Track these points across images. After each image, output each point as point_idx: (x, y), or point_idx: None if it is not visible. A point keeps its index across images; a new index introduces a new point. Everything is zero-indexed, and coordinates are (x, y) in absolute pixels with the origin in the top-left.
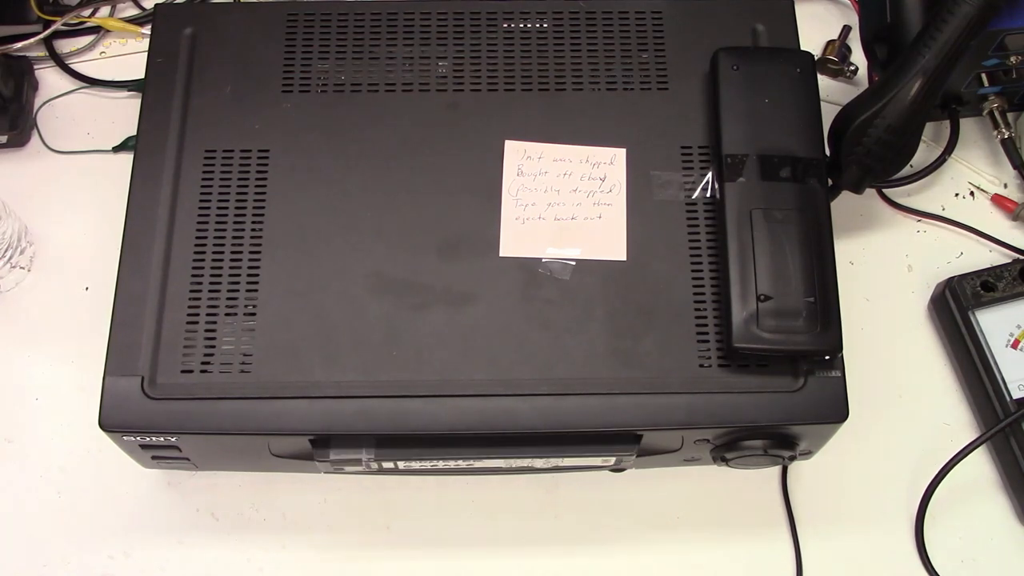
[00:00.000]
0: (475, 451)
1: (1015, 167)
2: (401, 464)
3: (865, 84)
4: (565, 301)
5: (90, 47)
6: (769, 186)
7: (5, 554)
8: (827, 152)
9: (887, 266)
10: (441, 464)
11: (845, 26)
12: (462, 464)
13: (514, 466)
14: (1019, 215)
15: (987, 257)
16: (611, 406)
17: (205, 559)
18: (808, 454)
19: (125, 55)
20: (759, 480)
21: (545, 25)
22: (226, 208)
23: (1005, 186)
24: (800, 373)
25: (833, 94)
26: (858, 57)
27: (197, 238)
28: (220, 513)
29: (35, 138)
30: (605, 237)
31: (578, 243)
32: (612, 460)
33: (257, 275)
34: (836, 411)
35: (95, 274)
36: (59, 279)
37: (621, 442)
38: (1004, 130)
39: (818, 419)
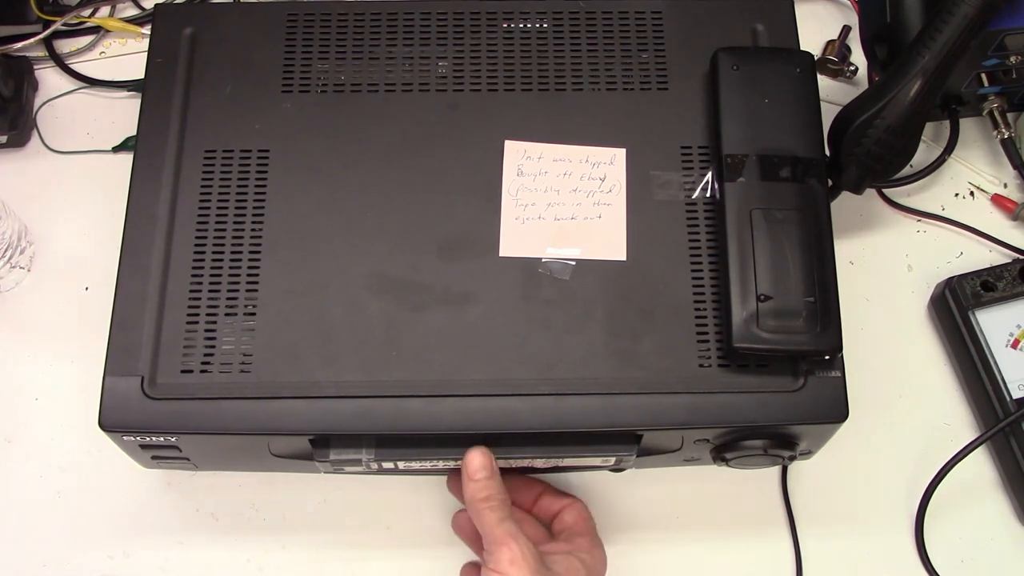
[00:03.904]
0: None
1: (1015, 167)
2: (401, 464)
3: (865, 84)
4: (565, 301)
5: (90, 47)
6: (769, 186)
7: (5, 554)
8: (827, 152)
9: (887, 266)
10: (441, 464)
11: (845, 26)
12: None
13: (514, 466)
14: (1019, 215)
15: (987, 257)
16: (611, 406)
17: (205, 559)
18: (808, 454)
19: (125, 55)
20: (759, 480)
21: (545, 25)
22: (226, 208)
23: (1005, 186)
24: (800, 373)
25: (833, 94)
26: (858, 57)
27: (197, 238)
28: (220, 513)
29: (35, 138)
30: (605, 237)
31: (578, 243)
32: (612, 460)
33: (257, 275)
34: (836, 411)
35: (95, 274)
36: (59, 279)
37: (621, 442)
38: (1004, 130)
39: (818, 419)
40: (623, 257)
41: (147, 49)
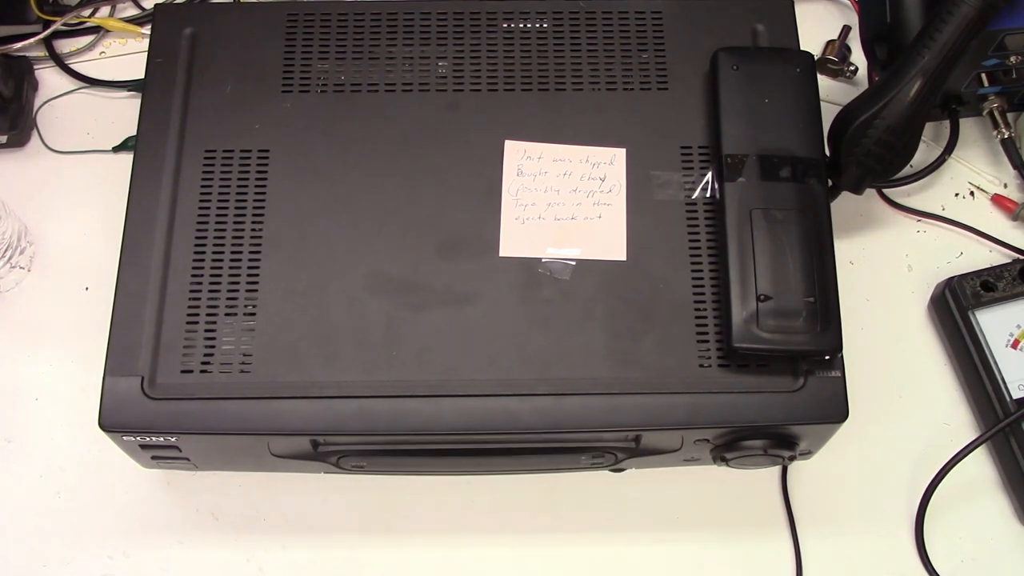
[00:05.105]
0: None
1: (1015, 167)
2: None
3: (865, 84)
4: (565, 301)
5: (90, 47)
6: (769, 186)
7: (5, 554)
8: (827, 152)
9: (887, 266)
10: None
11: (845, 26)
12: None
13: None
14: (1019, 215)
15: (987, 257)
16: (611, 406)
17: (205, 559)
18: (808, 454)
19: (125, 55)
20: (759, 480)
21: (545, 25)
22: (226, 208)
23: (1005, 186)
24: (800, 373)
25: (833, 94)
26: (858, 57)
27: (197, 238)
28: (220, 513)
29: (35, 138)
30: (605, 237)
31: (578, 243)
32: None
33: (257, 275)
34: (836, 411)
35: (95, 274)
36: (59, 279)
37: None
38: (1004, 130)
39: (818, 419)
40: (623, 257)
41: (147, 49)
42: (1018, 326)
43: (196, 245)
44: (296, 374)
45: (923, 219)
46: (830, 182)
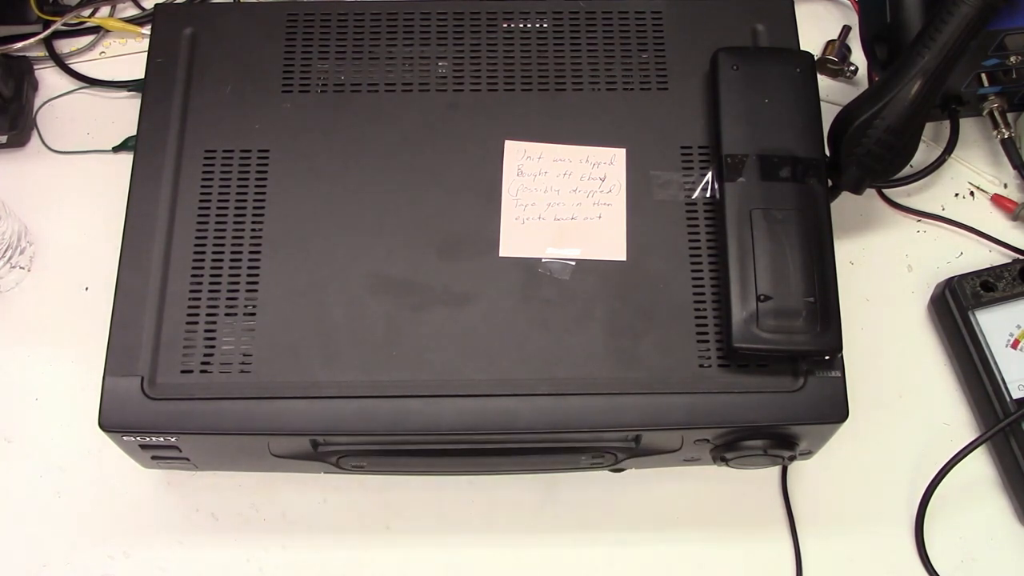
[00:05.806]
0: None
1: (1015, 167)
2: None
3: (865, 84)
4: (565, 301)
5: (90, 47)
6: (769, 186)
7: (5, 554)
8: (827, 152)
9: (887, 266)
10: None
11: (845, 26)
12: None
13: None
14: (1019, 215)
15: (987, 257)
16: (611, 406)
17: (205, 559)
18: (808, 454)
19: (125, 55)
20: (759, 480)
21: (545, 25)
22: (226, 208)
23: (1005, 186)
24: (800, 373)
25: (833, 94)
26: (858, 57)
27: (197, 238)
28: (220, 513)
29: (35, 138)
30: (605, 237)
31: (578, 243)
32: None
33: (257, 275)
34: (836, 411)
35: (95, 274)
36: (59, 279)
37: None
38: (1004, 130)
39: (818, 419)
40: (623, 257)
41: (147, 49)
42: (1018, 326)
43: (196, 245)
44: (296, 374)
45: (923, 219)
46: (830, 182)
